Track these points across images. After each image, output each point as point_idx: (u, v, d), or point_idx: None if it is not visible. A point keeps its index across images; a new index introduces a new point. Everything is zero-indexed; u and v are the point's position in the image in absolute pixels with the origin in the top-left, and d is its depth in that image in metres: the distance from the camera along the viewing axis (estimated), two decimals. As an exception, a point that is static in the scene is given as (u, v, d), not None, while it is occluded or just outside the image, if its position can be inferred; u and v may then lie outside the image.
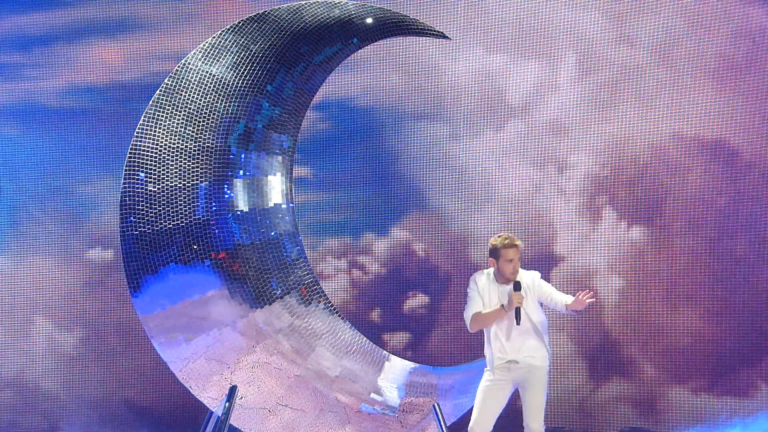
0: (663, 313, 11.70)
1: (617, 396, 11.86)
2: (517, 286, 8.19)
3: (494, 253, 8.32)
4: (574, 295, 8.25)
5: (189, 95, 9.52)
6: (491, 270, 8.38)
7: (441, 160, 12.47)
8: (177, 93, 9.48)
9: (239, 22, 9.64)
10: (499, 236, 8.34)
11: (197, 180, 9.55)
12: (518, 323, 8.18)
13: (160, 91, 9.46)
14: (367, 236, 12.68)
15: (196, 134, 9.54)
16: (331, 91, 12.16)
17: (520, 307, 8.16)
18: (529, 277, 8.33)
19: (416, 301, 12.53)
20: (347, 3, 9.64)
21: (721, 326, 11.56)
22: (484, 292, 8.33)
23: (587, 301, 8.15)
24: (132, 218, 9.35)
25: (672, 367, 11.71)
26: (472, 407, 8.38)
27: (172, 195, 9.46)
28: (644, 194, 11.85)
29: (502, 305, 8.19)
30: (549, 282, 8.45)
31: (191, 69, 9.55)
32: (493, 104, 12.34)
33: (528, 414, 8.26)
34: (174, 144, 9.47)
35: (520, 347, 8.25)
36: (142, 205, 9.36)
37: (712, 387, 11.57)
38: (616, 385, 11.86)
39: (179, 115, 9.49)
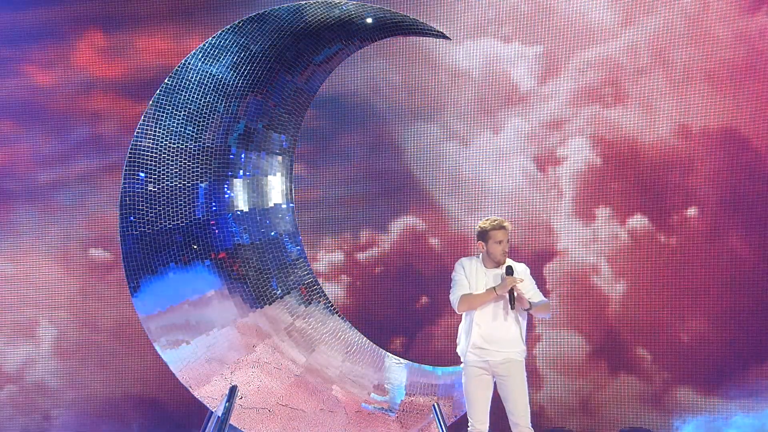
0: (667, 311, 11.67)
1: (619, 395, 11.85)
2: (509, 271, 8.15)
3: (483, 235, 8.26)
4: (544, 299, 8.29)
5: (189, 95, 9.52)
6: (479, 255, 8.35)
7: (440, 157, 12.47)
8: (177, 93, 9.49)
9: (239, 22, 9.62)
10: (487, 219, 8.29)
11: (197, 180, 9.56)
12: (512, 307, 8.12)
13: (160, 90, 9.46)
14: (367, 234, 12.67)
15: (196, 134, 9.54)
16: (329, 86, 12.13)
17: (513, 291, 8.12)
18: (519, 267, 8.31)
19: (417, 300, 12.52)
20: (347, 3, 9.63)
21: (726, 324, 11.52)
22: (471, 277, 8.27)
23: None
24: (132, 218, 9.36)
25: (675, 366, 11.69)
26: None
27: (172, 195, 9.47)
28: (648, 189, 11.83)
29: (494, 288, 8.15)
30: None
31: (191, 69, 9.55)
32: (493, 99, 12.33)
33: (515, 411, 8.18)
34: (174, 144, 9.48)
35: (500, 338, 8.20)
36: (142, 205, 9.37)
37: (717, 387, 11.54)
38: (617, 384, 11.85)
39: (179, 115, 9.50)
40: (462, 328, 8.35)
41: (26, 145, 13.51)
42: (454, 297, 8.27)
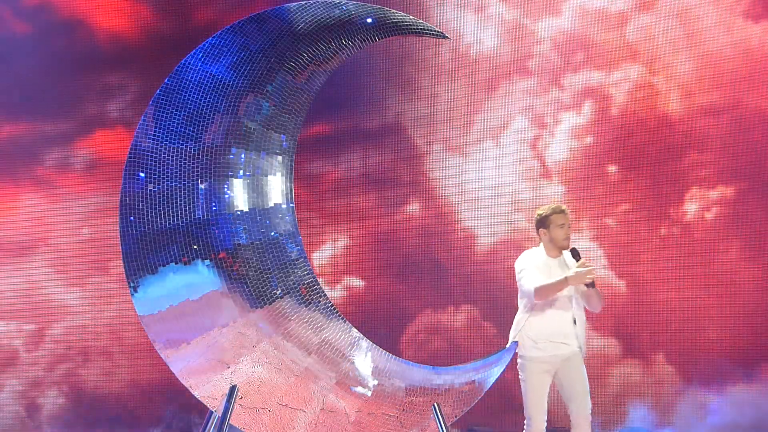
0: (672, 308, 11.61)
1: (620, 395, 11.83)
2: (575, 254, 8.11)
3: (543, 222, 8.21)
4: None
5: (189, 95, 9.54)
6: (540, 246, 8.27)
7: (441, 152, 12.47)
8: (177, 93, 9.51)
9: (239, 22, 9.65)
10: (543, 206, 8.27)
11: (197, 180, 9.58)
12: (592, 286, 8.08)
13: (160, 90, 9.49)
14: (368, 231, 12.67)
15: (196, 134, 9.56)
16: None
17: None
18: (572, 260, 8.24)
19: (420, 298, 12.51)
20: (347, 3, 9.66)
21: (739, 321, 11.44)
22: (536, 272, 8.23)
23: (586, 276, 8.09)
24: (132, 218, 9.38)
25: (681, 364, 11.64)
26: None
27: (172, 195, 9.49)
28: (661, 173, 11.74)
29: (566, 277, 8.08)
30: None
31: (191, 69, 9.56)
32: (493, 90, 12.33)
33: (577, 402, 8.22)
34: (174, 144, 9.50)
35: (567, 330, 8.15)
36: (142, 205, 9.39)
37: (722, 385, 11.50)
38: (619, 383, 11.83)
39: (179, 115, 9.52)
40: (523, 321, 8.27)
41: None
42: (529, 287, 8.20)
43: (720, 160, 11.44)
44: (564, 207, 8.26)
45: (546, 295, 8.13)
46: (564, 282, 8.06)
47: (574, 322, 8.15)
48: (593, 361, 11.80)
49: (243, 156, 9.78)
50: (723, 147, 11.40)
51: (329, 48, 9.94)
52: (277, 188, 10.04)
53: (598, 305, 8.33)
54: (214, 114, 9.61)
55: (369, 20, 9.80)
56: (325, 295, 10.07)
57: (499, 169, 12.26)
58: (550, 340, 8.12)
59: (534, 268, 8.20)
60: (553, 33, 12.16)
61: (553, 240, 8.19)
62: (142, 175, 9.41)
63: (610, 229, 11.78)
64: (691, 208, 11.56)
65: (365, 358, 9.98)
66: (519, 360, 8.42)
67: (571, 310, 8.16)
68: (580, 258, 8.11)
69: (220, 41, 9.62)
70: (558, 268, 8.19)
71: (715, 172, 11.46)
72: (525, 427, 8.22)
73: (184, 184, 9.53)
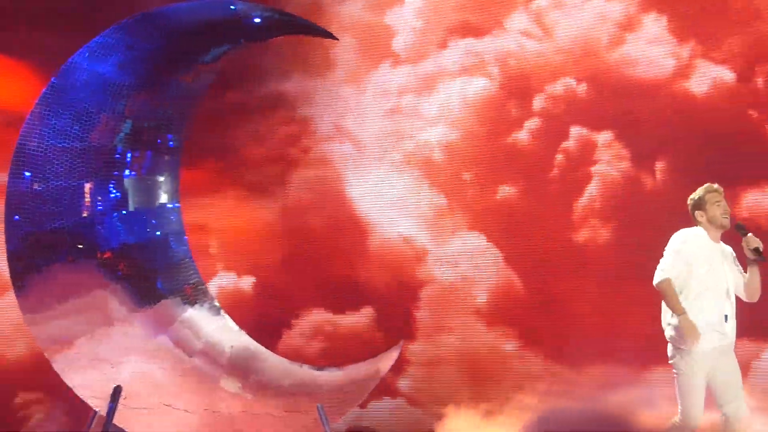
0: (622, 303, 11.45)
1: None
2: (740, 228, 7.84)
3: (699, 204, 7.97)
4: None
5: (76, 94, 9.46)
6: (701, 228, 7.98)
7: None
8: (64, 92, 9.41)
9: (127, 21, 9.57)
10: (695, 192, 8.00)
11: (83, 179, 9.52)
12: (765, 260, 7.79)
13: (47, 89, 9.39)
14: (255, 222, 12.63)
15: (83, 134, 9.49)
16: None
17: (759, 247, 7.79)
18: (728, 249, 7.99)
19: (308, 298, 12.48)
20: (236, 3, 9.67)
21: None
22: (697, 254, 7.89)
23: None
24: (17, 217, 9.28)
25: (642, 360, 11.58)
26: None
27: (57, 194, 9.42)
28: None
29: (683, 316, 7.74)
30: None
31: (78, 68, 9.48)
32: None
33: (736, 403, 7.82)
34: (60, 143, 9.42)
35: (731, 317, 7.88)
36: (28, 205, 9.30)
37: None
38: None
39: (66, 114, 9.43)
40: (687, 305, 7.86)
41: None
42: (662, 274, 7.83)
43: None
44: (716, 186, 7.99)
45: (664, 298, 7.82)
46: (682, 317, 7.68)
47: (728, 313, 7.91)
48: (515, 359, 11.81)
49: (129, 155, 9.76)
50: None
51: (218, 48, 9.96)
52: (163, 188, 10.05)
53: (757, 292, 8.05)
54: (101, 113, 9.56)
55: (257, 20, 9.83)
56: (210, 294, 10.13)
57: (395, 158, 12.07)
58: (718, 330, 7.75)
59: (685, 256, 7.80)
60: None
61: (711, 219, 7.91)
62: (28, 174, 9.32)
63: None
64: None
65: (250, 358, 10.06)
66: (674, 353, 7.92)
67: (728, 299, 7.83)
68: (747, 231, 7.91)
69: (108, 40, 9.53)
70: (720, 257, 7.89)
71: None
72: (678, 421, 7.86)
73: (69, 184, 9.47)
